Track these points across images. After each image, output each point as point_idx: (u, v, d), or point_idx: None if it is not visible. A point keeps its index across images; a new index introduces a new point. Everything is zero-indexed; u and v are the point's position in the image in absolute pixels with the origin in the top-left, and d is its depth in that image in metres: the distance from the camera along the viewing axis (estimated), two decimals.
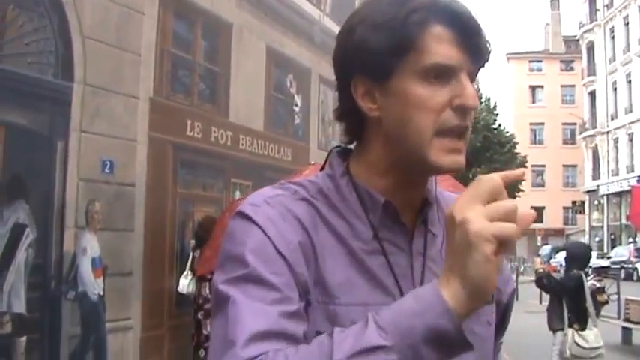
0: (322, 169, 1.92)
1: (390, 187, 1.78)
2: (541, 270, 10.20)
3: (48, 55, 9.04)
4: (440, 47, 1.65)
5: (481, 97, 61.78)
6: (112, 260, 9.89)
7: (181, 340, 11.12)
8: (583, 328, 9.11)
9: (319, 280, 1.63)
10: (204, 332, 10.43)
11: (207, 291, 10.50)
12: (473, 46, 1.69)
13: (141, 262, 10.49)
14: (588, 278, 10.63)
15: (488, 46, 1.76)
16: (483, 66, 1.75)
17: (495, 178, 1.37)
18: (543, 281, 9.70)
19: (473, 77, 1.72)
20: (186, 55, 12.01)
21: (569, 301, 9.25)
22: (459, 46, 1.66)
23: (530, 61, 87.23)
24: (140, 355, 10.45)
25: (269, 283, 1.55)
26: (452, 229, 1.36)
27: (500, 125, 60.53)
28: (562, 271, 15.44)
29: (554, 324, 10.04)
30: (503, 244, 1.31)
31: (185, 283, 10.85)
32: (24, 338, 8.58)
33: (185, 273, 10.95)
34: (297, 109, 15.78)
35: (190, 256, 11.10)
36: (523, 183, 53.73)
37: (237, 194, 13.13)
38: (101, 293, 9.60)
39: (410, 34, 1.65)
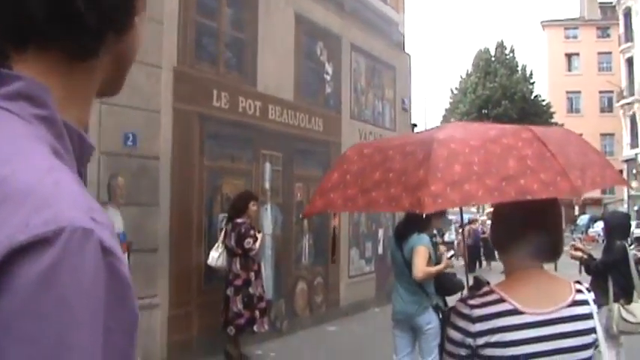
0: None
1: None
2: (579, 255, 9.66)
3: None
4: None
5: (517, 66, 61.27)
6: (137, 236, 9.61)
7: (210, 317, 10.85)
8: (629, 302, 8.65)
9: None
10: (234, 309, 10.28)
11: (238, 267, 10.27)
12: None
13: (167, 237, 10.23)
14: (631, 247, 10.18)
15: None
16: None
17: None
18: (590, 268, 9.23)
19: None
20: (211, 22, 11.62)
21: (615, 275, 8.78)
22: None
23: (565, 29, 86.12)
24: (167, 334, 10.19)
25: None
26: None
27: (537, 95, 59.87)
28: (600, 241, 14.94)
29: (599, 299, 9.56)
30: None
31: (215, 256, 10.60)
32: None
33: (216, 246, 10.69)
34: (328, 77, 15.37)
35: (223, 230, 10.80)
36: None
37: (268, 166, 12.79)
38: None
39: None
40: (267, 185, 12.84)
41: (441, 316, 7.41)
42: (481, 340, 2.78)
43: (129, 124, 9.50)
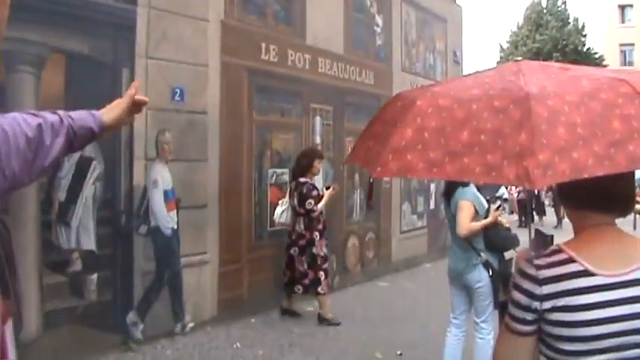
0: None
1: None
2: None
3: None
4: None
5: (568, 18, 60.26)
6: (186, 192, 9.53)
7: (261, 273, 10.79)
8: None
9: None
10: (300, 269, 10.24)
11: (302, 226, 10.19)
12: None
13: (216, 193, 10.11)
14: None
15: None
16: None
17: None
18: None
19: None
20: None
21: None
22: None
23: None
24: (218, 291, 10.12)
25: None
26: None
27: (589, 48, 58.87)
28: None
29: None
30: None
31: (279, 212, 10.59)
32: (95, 275, 8.36)
33: (281, 201, 10.65)
34: (378, 29, 15.04)
35: (288, 186, 10.76)
36: None
37: (318, 120, 12.60)
38: (175, 227, 9.26)
39: None
40: (317, 140, 12.64)
41: (491, 273, 7.14)
42: (548, 304, 2.55)
43: (176, 78, 9.34)
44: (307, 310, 10.82)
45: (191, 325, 9.52)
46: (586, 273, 2.54)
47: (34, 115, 2.57)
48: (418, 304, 11.69)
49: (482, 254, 7.11)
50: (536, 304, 2.57)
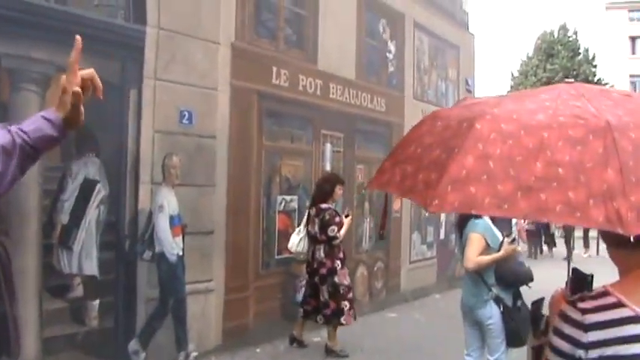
0: None
1: None
2: None
3: None
4: None
5: (579, 48, 60.37)
6: (192, 218, 9.31)
7: (267, 302, 10.59)
8: None
9: None
10: (322, 299, 9.97)
11: (322, 254, 9.95)
12: None
13: (223, 219, 9.90)
14: None
15: None
16: None
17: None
18: None
19: None
20: None
21: None
22: None
23: (630, 11, 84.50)
24: (223, 319, 9.89)
25: None
26: None
27: (599, 78, 58.89)
28: None
29: None
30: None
31: (296, 241, 10.31)
32: (96, 302, 8.16)
33: (298, 229, 10.40)
34: (390, 56, 14.88)
35: (306, 214, 10.48)
36: None
37: (328, 147, 12.41)
38: (180, 253, 9.03)
39: None
40: (327, 167, 12.44)
41: (502, 309, 6.87)
42: (594, 353, 2.28)
43: (185, 101, 9.16)
44: (314, 341, 10.60)
45: (195, 354, 9.28)
46: (637, 319, 2.29)
47: None
48: (428, 335, 11.44)
49: (493, 289, 6.86)
50: (580, 353, 2.31)
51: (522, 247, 27.92)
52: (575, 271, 3.16)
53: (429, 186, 2.55)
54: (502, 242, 6.93)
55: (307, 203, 10.93)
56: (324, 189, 10.22)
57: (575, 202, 2.27)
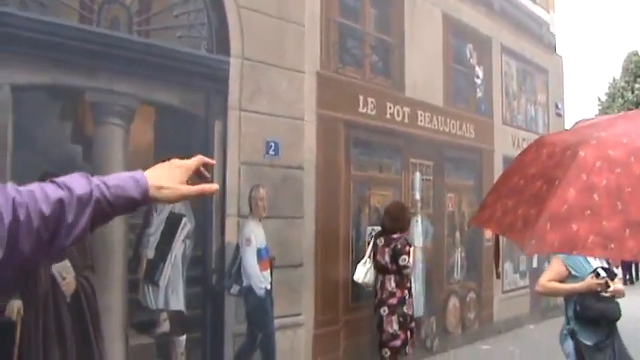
0: None
1: None
2: None
3: (200, 27, 8.37)
4: None
5: None
6: (280, 251, 9.15)
7: (358, 336, 10.33)
8: None
9: None
10: (389, 330, 9.60)
11: (393, 284, 9.62)
12: None
13: (312, 252, 9.72)
14: None
15: None
16: None
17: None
18: None
19: None
20: (355, 24, 11.07)
21: None
22: None
23: None
24: (313, 354, 9.68)
25: None
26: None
27: None
28: None
29: None
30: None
31: (362, 273, 9.92)
32: (183, 337, 8.05)
33: (364, 261, 10.02)
34: (478, 81, 14.58)
35: (372, 243, 10.12)
36: None
37: (418, 175, 12.16)
38: (268, 287, 8.84)
39: None
40: (417, 196, 12.18)
41: (575, 345, 6.45)
42: None
43: (270, 132, 9.03)
44: None
45: None
46: None
47: (57, 186, 2.14)
48: None
49: (570, 323, 6.48)
50: None
51: (618, 273, 27.08)
52: None
53: (528, 223, 2.28)
54: (592, 272, 6.47)
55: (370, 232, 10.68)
56: (402, 219, 9.95)
57: None
